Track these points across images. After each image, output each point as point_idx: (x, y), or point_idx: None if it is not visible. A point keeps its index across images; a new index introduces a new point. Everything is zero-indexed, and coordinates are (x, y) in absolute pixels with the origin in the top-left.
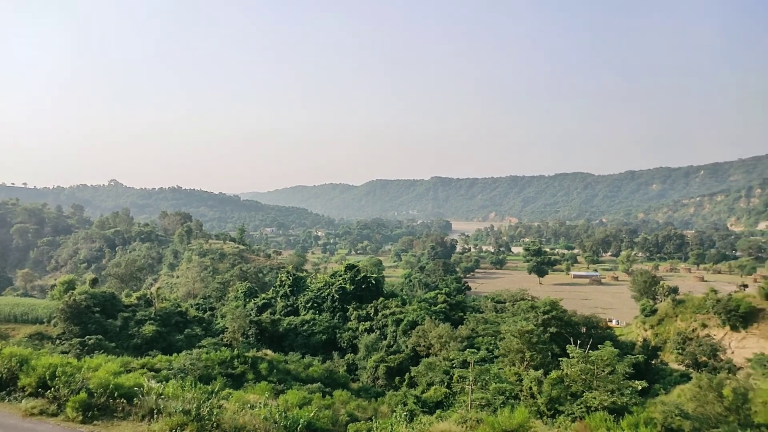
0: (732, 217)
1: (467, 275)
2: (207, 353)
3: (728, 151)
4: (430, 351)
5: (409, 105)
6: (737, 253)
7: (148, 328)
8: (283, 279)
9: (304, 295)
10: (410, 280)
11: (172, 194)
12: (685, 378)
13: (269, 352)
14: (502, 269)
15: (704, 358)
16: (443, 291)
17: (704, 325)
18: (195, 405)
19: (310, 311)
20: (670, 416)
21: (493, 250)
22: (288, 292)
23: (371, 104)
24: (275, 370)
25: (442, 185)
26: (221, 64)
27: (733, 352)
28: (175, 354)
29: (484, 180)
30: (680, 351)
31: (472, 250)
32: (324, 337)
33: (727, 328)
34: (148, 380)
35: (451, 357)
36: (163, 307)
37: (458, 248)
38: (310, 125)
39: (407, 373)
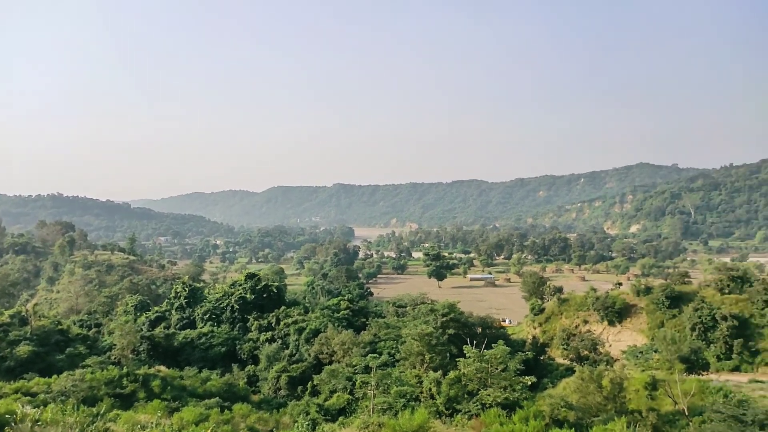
0: (608, 221)
1: (370, 281)
2: (92, 373)
3: (604, 161)
4: (333, 358)
5: (310, 112)
6: (613, 254)
7: (23, 349)
8: (178, 290)
9: (201, 307)
10: (313, 288)
11: (52, 202)
12: (569, 371)
13: (163, 368)
14: (403, 274)
15: (586, 352)
16: (346, 297)
17: (585, 322)
18: (78, 429)
19: (208, 323)
20: (556, 408)
21: (394, 256)
22: (184, 304)
23: (272, 111)
24: (169, 387)
25: (345, 192)
26: (111, 65)
27: (610, 346)
28: (54, 376)
29: (385, 187)
30: (565, 346)
31: (375, 255)
32: (223, 349)
33: (605, 323)
34: (23, 406)
35: (353, 363)
36: (41, 325)
37: (361, 254)
38: (210, 131)
39: (310, 382)
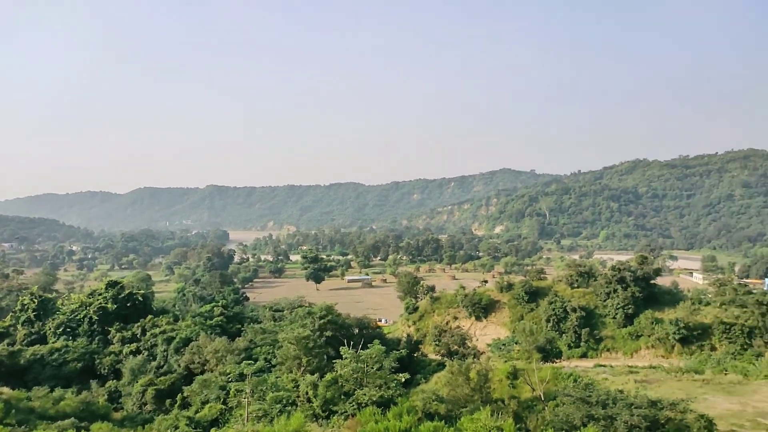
0: (475, 223)
1: (246, 285)
2: None
3: (472, 166)
4: (206, 367)
5: (183, 112)
6: (480, 254)
7: None
8: (25, 302)
9: (53, 320)
10: (184, 295)
11: None
12: (441, 366)
13: (6, 389)
14: (281, 277)
15: (456, 347)
16: (220, 303)
17: (456, 318)
18: None
19: (62, 337)
20: (428, 402)
21: (272, 259)
22: (32, 317)
23: (140, 109)
24: (14, 411)
25: (219, 194)
26: None
27: (477, 340)
28: None
29: (262, 189)
30: (437, 342)
31: (251, 259)
32: (79, 365)
33: (473, 318)
34: None
35: (227, 371)
36: None
37: (236, 258)
38: (64, 127)
39: (179, 394)
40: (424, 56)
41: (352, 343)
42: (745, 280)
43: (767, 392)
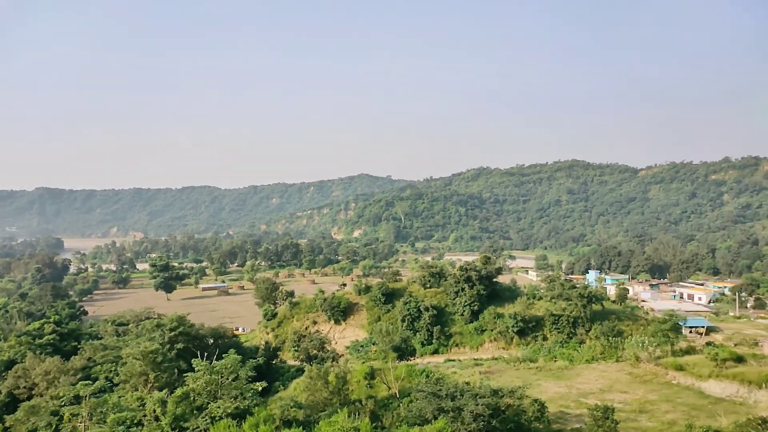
0: (335, 227)
1: (84, 298)
2: None
3: (331, 171)
4: (34, 392)
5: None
6: (339, 258)
7: None
8: None
9: None
10: (7, 311)
11: None
12: (300, 372)
13: None
14: (126, 288)
15: (315, 351)
16: (52, 320)
17: (315, 322)
18: None
19: None
20: (286, 409)
21: (115, 269)
22: None
23: None
24: None
25: (51, 197)
26: None
27: (336, 343)
28: None
29: (103, 192)
30: (296, 348)
31: (90, 269)
32: None
33: (332, 322)
34: None
35: (60, 394)
36: None
37: (72, 269)
38: None
39: (0, 425)
40: (279, 59)
41: (206, 354)
42: (570, 276)
43: (588, 375)
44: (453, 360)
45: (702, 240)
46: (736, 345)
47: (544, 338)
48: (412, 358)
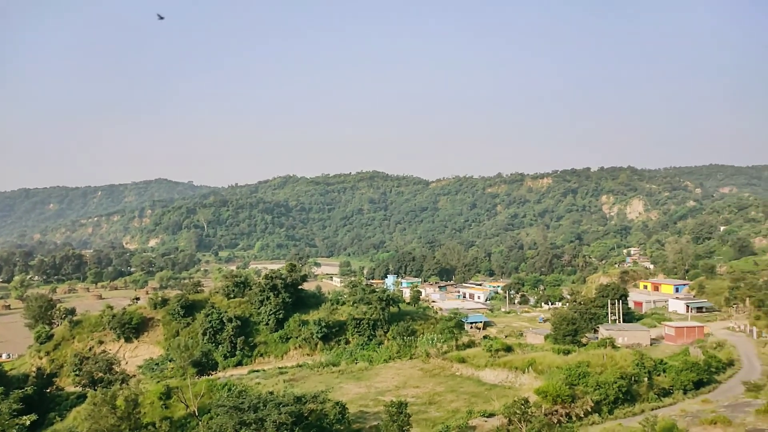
0: (127, 236)
1: None
2: None
3: (123, 175)
4: None
5: None
6: (132, 269)
7: None
8: None
9: None
10: None
11: None
12: (82, 399)
13: None
14: None
15: (101, 374)
16: None
17: (101, 342)
18: None
19: None
20: None
21: None
22: None
23: None
24: None
25: None
26: None
27: (127, 363)
28: None
29: None
30: (77, 372)
31: None
32: None
33: (122, 340)
34: None
35: None
36: None
37: None
38: None
39: None
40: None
41: None
42: (371, 280)
43: (386, 374)
44: (257, 370)
45: (481, 245)
46: (506, 336)
47: (347, 342)
48: (213, 373)
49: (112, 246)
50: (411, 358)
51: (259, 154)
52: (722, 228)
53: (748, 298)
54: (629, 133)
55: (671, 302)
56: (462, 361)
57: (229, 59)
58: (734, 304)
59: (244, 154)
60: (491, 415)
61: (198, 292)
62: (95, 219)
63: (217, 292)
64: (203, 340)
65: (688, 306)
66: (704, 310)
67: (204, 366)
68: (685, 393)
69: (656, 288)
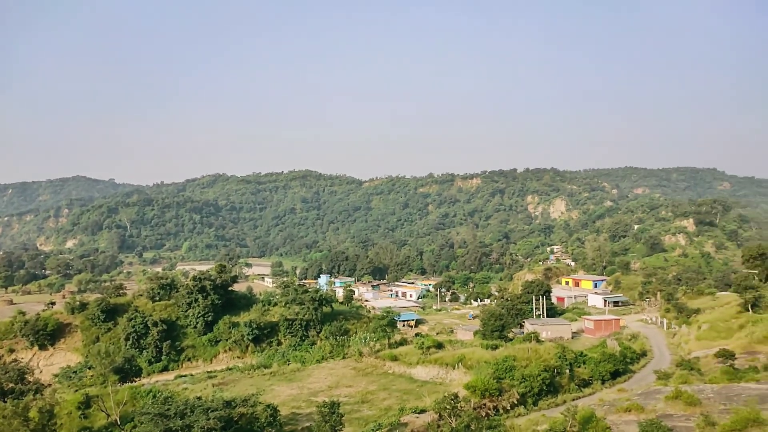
0: (42, 237)
1: None
2: None
3: (36, 171)
4: None
5: None
6: (47, 272)
7: None
8: None
9: None
10: None
11: None
12: None
13: None
14: None
15: (11, 385)
16: None
17: (12, 350)
18: None
19: None
20: None
21: None
22: None
23: None
24: None
25: None
26: None
27: (41, 372)
28: None
29: None
30: None
31: None
32: None
33: (36, 348)
34: None
35: None
36: None
37: None
38: None
39: None
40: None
41: None
42: (304, 281)
43: (318, 374)
44: (185, 375)
45: (413, 244)
46: (437, 334)
47: (279, 343)
48: (137, 379)
49: (25, 247)
50: (344, 358)
51: (187, 152)
52: (636, 227)
53: (659, 292)
54: (552, 136)
55: (590, 297)
56: (394, 359)
57: (156, 53)
58: (647, 297)
59: (171, 152)
60: (422, 411)
61: (120, 296)
62: (5, 219)
63: (141, 295)
64: (126, 345)
65: (605, 300)
66: (620, 304)
67: (127, 373)
68: (603, 383)
69: (577, 284)
